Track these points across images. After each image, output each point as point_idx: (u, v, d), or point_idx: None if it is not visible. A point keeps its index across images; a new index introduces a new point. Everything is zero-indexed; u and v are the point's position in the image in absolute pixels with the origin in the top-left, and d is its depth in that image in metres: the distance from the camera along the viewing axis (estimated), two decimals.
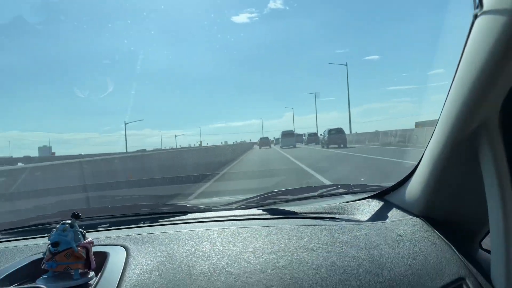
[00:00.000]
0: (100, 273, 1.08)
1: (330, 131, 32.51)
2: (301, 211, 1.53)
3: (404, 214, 1.34)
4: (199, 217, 1.56)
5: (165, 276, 1.04)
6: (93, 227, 1.51)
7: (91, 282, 1.06)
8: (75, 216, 1.16)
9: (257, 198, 1.71)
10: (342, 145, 30.40)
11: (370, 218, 1.41)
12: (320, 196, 1.71)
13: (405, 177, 1.41)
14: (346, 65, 48.74)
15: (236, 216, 1.54)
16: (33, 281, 1.08)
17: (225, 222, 1.47)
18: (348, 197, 1.70)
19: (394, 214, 1.38)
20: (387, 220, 1.34)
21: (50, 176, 5.78)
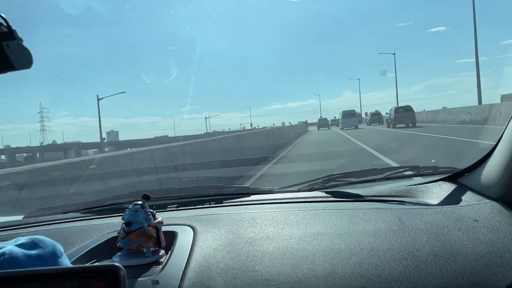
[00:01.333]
0: (170, 251, 1.14)
1: (397, 109, 30.78)
2: (367, 194, 1.48)
3: (481, 198, 1.25)
4: (262, 198, 1.58)
5: (231, 256, 1.06)
6: (162, 207, 1.58)
7: (161, 260, 1.11)
8: (146, 197, 1.22)
9: (320, 181, 1.68)
10: (410, 125, 28.65)
11: (441, 201, 1.33)
12: (387, 178, 1.64)
13: (482, 157, 1.30)
14: None
15: (298, 198, 1.53)
16: (110, 257, 1.16)
17: (287, 204, 1.47)
18: (417, 179, 1.61)
19: (468, 198, 1.29)
20: (461, 204, 1.25)
21: (123, 161, 6.20)
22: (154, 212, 1.19)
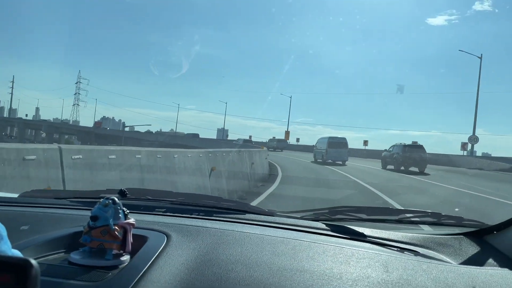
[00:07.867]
0: (133, 257, 1.00)
1: (404, 147, 22.86)
2: (373, 234, 1.30)
3: (510, 263, 1.04)
4: (258, 219, 1.42)
5: (199, 278, 0.91)
6: (150, 210, 1.46)
7: (121, 266, 0.98)
8: (121, 193, 1.10)
9: (327, 211, 1.51)
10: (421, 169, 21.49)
11: (460, 260, 1.13)
12: (400, 221, 1.44)
13: None
14: None
15: (297, 226, 1.37)
16: (70, 252, 1.04)
17: (283, 230, 1.31)
18: (435, 229, 1.41)
19: (494, 261, 1.09)
20: (484, 267, 1.05)
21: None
22: (128, 212, 1.06)
